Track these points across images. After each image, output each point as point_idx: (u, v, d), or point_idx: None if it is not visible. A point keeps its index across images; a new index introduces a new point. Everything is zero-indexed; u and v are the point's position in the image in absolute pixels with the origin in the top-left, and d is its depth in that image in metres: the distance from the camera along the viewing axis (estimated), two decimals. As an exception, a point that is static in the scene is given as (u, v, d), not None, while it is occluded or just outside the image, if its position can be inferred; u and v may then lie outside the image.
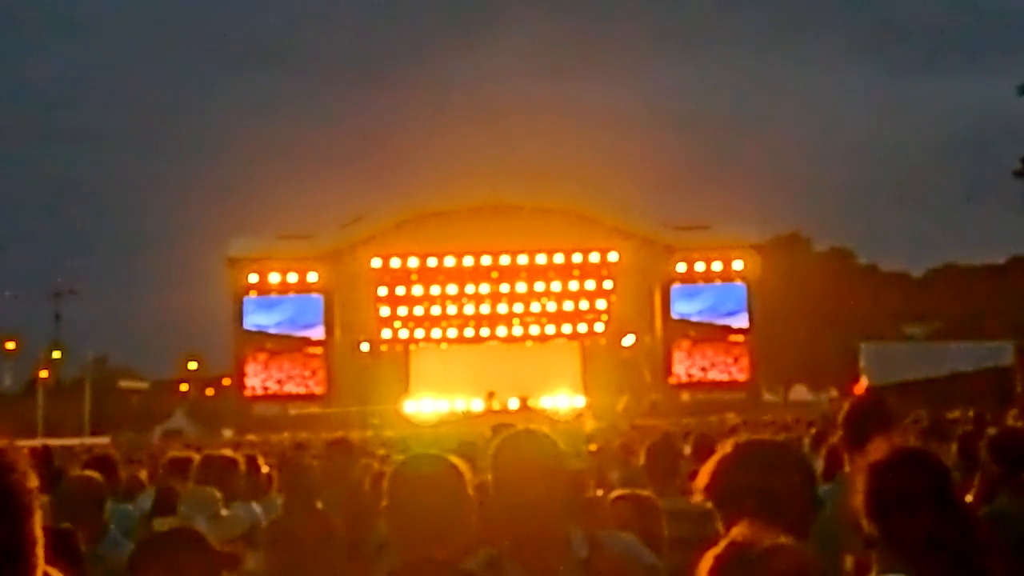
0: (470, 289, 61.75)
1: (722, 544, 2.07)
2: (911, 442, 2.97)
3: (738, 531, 2.11)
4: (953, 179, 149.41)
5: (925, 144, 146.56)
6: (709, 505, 2.90)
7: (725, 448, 2.99)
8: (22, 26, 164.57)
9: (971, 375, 38.17)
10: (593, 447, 13.44)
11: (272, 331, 62.01)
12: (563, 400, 57.40)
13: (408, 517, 2.97)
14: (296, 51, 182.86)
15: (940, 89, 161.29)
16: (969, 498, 4.99)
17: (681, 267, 62.33)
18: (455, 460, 3.16)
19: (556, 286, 62.07)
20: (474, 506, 3.07)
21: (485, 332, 62.14)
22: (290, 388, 62.08)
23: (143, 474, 9.89)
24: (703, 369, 62.73)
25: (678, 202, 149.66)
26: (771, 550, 2.00)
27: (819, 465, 7.11)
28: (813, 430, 15.16)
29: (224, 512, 5.53)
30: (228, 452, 6.97)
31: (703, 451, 7.68)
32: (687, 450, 10.34)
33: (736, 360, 62.74)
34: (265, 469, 8.63)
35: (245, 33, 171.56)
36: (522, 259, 61.34)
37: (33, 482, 1.78)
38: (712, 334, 62.81)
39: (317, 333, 62.39)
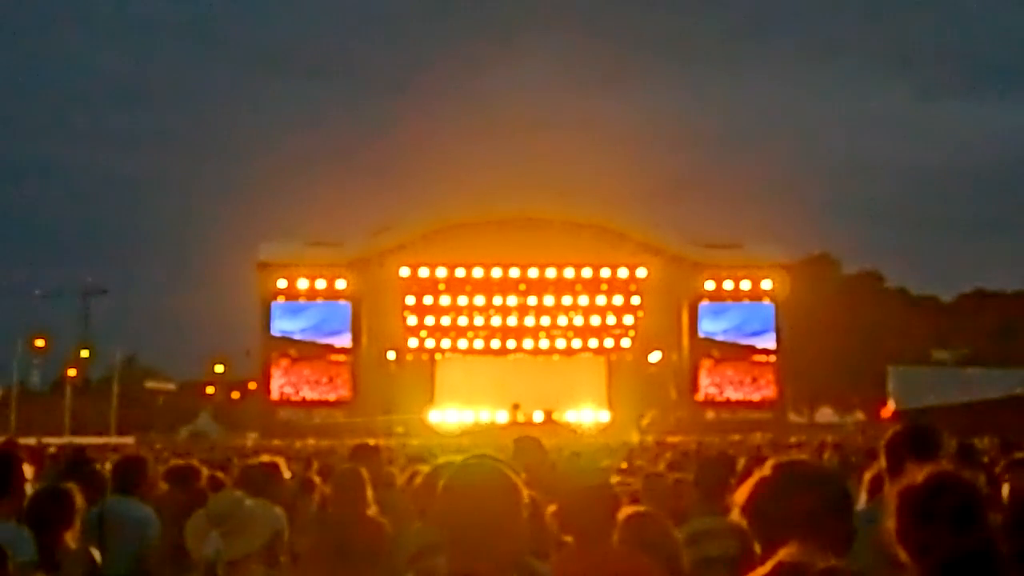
0: (497, 301, 61.71)
1: (769, 564, 2.02)
2: (946, 467, 2.93)
3: (786, 552, 2.07)
4: (985, 205, 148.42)
5: (958, 169, 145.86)
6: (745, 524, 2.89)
7: (764, 469, 2.98)
8: (58, 29, 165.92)
9: (1000, 402, 37.94)
10: (624, 464, 13.37)
11: (297, 337, 62.20)
12: (588, 414, 57.33)
13: (461, 527, 2.87)
14: (331, 61, 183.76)
15: (973, 115, 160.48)
16: None
17: (709, 285, 62.21)
18: (508, 469, 3.05)
19: (584, 300, 62.01)
20: (525, 518, 2.97)
21: (511, 344, 62.09)
22: (314, 395, 62.18)
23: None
24: (726, 387, 62.51)
25: (708, 220, 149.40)
26: (829, 572, 1.93)
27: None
28: (826, 453, 15.10)
29: (249, 506, 5.47)
30: (267, 458, 6.92)
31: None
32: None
33: (758, 380, 62.51)
34: (288, 475, 8.63)
35: (281, 41, 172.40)
36: (550, 272, 61.31)
37: None
38: (737, 354, 62.61)
39: (343, 340, 62.50)
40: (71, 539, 5.54)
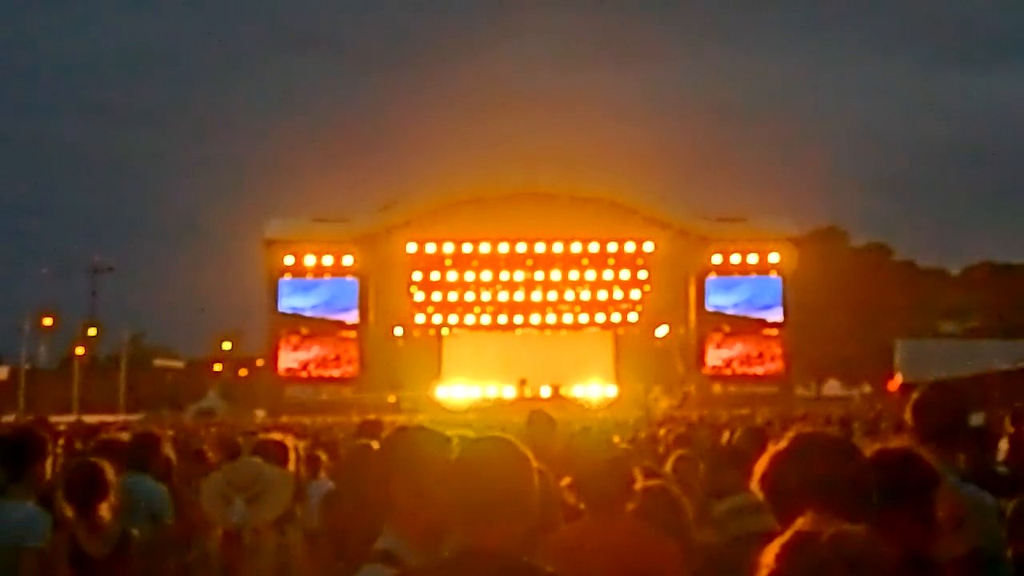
0: (504, 276, 61.68)
1: (787, 534, 2.06)
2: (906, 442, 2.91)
3: (803, 521, 2.10)
4: (993, 176, 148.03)
5: (965, 140, 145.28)
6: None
7: (780, 442, 2.96)
8: (67, 4, 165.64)
9: (1008, 374, 37.84)
10: (639, 434, 13.36)
11: (308, 314, 62.29)
12: (595, 389, 57.29)
13: (473, 503, 2.85)
14: (336, 36, 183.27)
15: (980, 85, 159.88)
16: None
17: (717, 259, 62.09)
18: (520, 444, 3.00)
19: (591, 275, 61.96)
20: (537, 493, 2.95)
21: (519, 319, 62.10)
22: (322, 371, 62.30)
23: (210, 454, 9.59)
24: (734, 362, 62.48)
25: (715, 193, 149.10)
26: (838, 536, 1.99)
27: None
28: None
29: (268, 473, 5.45)
30: (278, 436, 6.90)
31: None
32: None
33: (764, 354, 62.45)
34: (293, 454, 8.64)
35: (284, 15, 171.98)
36: (557, 247, 61.25)
37: None
38: (746, 327, 62.55)
39: (351, 317, 62.57)
40: (106, 511, 5.53)
